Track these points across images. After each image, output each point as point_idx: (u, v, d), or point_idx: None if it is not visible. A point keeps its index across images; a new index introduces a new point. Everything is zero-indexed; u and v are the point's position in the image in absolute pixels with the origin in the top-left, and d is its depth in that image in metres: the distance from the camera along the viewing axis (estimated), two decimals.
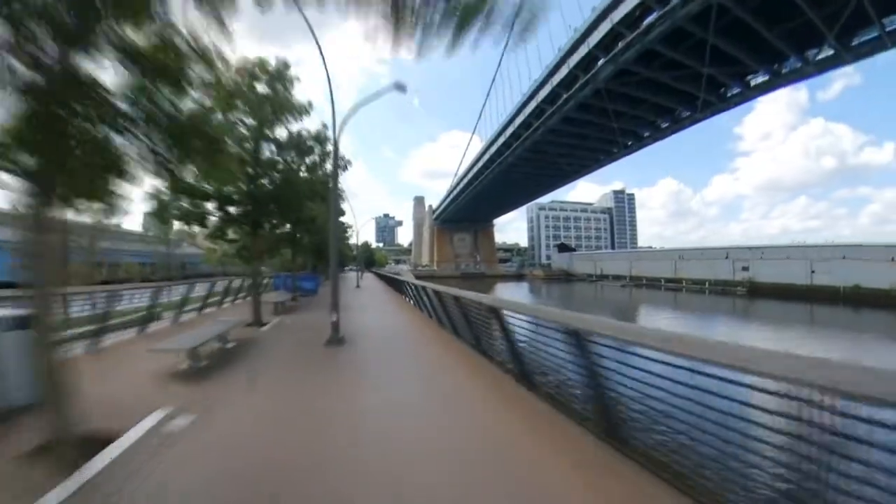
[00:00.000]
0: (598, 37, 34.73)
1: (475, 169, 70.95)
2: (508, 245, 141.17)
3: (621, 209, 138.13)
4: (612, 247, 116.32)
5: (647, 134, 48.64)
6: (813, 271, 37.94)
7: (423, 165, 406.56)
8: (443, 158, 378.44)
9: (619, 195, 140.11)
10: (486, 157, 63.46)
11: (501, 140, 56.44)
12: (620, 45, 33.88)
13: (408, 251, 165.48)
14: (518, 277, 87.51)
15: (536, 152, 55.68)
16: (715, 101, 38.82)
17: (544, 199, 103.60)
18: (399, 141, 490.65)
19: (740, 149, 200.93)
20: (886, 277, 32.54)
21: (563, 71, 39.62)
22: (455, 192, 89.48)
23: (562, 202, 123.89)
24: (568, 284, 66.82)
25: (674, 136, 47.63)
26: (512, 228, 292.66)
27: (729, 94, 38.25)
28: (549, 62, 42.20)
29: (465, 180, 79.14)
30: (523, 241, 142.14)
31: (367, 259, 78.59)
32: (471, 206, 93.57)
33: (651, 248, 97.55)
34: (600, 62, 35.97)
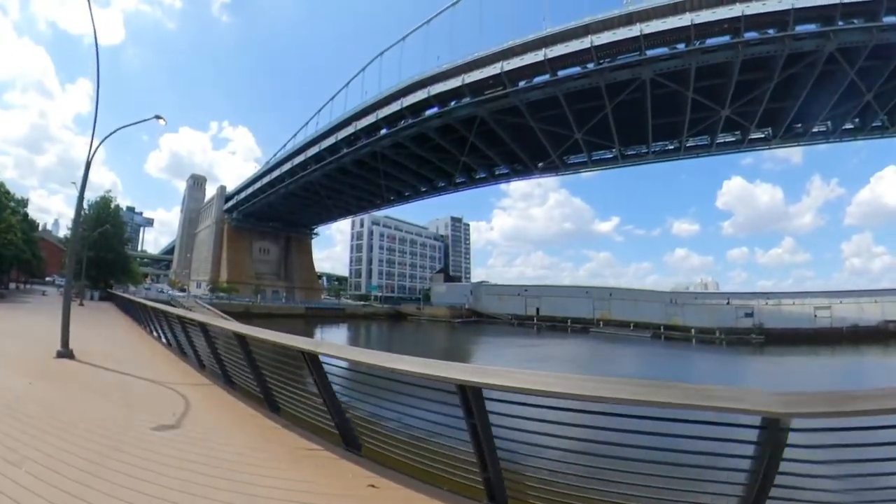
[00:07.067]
0: (386, 111, 41.13)
1: (273, 175, 59.50)
2: None
3: (457, 238, 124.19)
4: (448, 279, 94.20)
5: (408, 194, 60.02)
6: (815, 316, 42.09)
7: (179, 159, 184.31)
8: (207, 156, 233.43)
9: (455, 223, 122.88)
10: (275, 174, 58.53)
11: (287, 167, 56.02)
12: (403, 123, 40.95)
13: (161, 260, 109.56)
14: (395, 318, 59.21)
15: (307, 189, 58.83)
16: (466, 180, 52.48)
17: (378, 213, 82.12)
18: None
19: (503, 204, 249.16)
20: (874, 316, 39.66)
21: (367, 120, 43.63)
22: (271, 178, 59.90)
23: (397, 220, 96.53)
24: (477, 328, 49.92)
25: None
26: None
27: (477, 177, 51.97)
28: (354, 106, 46.12)
29: (279, 172, 58.03)
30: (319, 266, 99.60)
31: (114, 262, 37.06)
32: (288, 202, 65.05)
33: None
34: (382, 132, 42.76)
